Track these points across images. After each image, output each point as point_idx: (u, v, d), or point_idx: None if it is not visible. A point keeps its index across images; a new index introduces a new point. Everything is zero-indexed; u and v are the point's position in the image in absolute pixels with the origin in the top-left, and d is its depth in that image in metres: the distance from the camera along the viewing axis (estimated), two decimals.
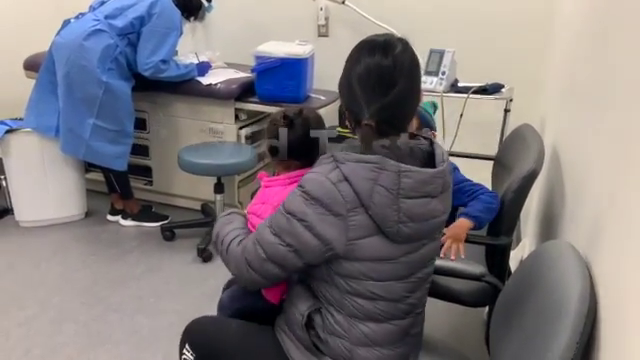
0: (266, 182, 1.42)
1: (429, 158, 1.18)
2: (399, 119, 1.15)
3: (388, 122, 1.12)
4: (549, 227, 1.74)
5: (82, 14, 2.78)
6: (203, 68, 3.02)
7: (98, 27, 2.65)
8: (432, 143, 1.21)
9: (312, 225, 1.09)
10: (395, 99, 1.11)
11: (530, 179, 1.55)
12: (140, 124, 3.05)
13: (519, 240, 2.64)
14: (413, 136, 1.22)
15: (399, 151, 1.12)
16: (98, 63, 2.63)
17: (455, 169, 1.77)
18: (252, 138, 3.10)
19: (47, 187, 2.96)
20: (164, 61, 2.74)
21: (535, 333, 1.00)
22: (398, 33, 3.09)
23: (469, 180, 1.74)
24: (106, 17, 2.68)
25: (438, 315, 2.18)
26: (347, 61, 1.16)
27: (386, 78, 1.11)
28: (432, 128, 1.81)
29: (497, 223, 1.62)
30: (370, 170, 1.06)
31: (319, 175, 1.10)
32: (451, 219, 1.63)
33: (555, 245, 1.15)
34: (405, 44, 1.14)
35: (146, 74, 2.74)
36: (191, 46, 3.41)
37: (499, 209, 1.62)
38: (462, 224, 1.61)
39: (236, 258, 1.22)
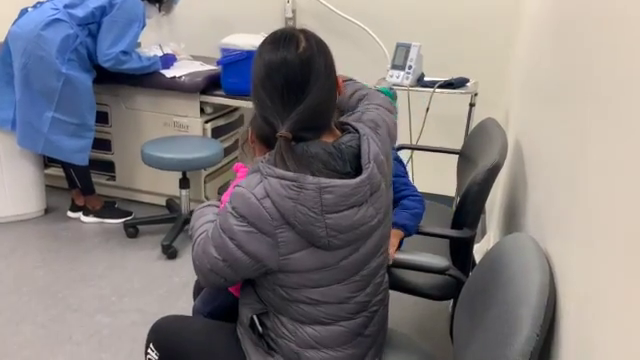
0: (242, 172, 1.39)
1: (359, 155, 1.09)
2: (319, 121, 1.08)
3: (306, 129, 1.06)
4: (512, 220, 1.76)
5: (40, 3, 2.68)
6: (167, 60, 2.95)
7: (57, 16, 2.55)
8: (360, 137, 1.11)
9: (241, 243, 1.05)
10: (311, 104, 1.03)
11: (493, 172, 1.56)
12: (102, 117, 2.96)
13: (484, 233, 2.68)
14: (343, 126, 1.16)
15: (324, 157, 1.05)
16: (57, 54, 2.54)
17: (395, 159, 1.73)
18: (218, 132, 3.05)
19: (3, 183, 2.85)
20: (125, 52, 2.66)
21: (496, 326, 1.01)
22: (365, 26, 3.09)
23: (404, 176, 1.70)
24: (65, 6, 2.59)
25: (403, 309, 2.20)
26: (253, 64, 1.08)
27: (295, 82, 1.03)
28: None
29: (461, 216, 1.63)
30: (290, 189, 1.00)
31: (246, 190, 1.04)
32: None
33: (516, 238, 1.16)
34: (308, 35, 1.07)
35: (106, 65, 2.66)
36: (156, 38, 3.33)
37: (463, 201, 1.63)
38: (394, 234, 1.56)
39: (194, 260, 1.19)
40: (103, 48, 2.62)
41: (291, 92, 1.03)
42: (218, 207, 1.34)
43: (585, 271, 0.88)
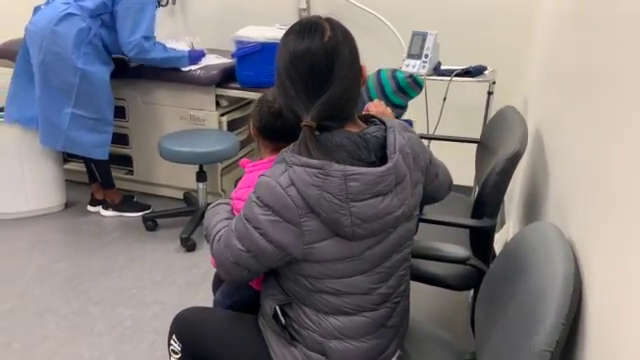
0: (249, 168, 1.41)
1: (384, 146, 1.09)
2: (344, 110, 1.08)
3: (330, 118, 1.06)
4: (533, 209, 1.74)
5: None
6: (196, 56, 2.91)
7: (69, 11, 2.57)
8: (387, 128, 1.11)
9: (266, 232, 1.06)
10: (335, 93, 1.03)
11: (514, 161, 1.54)
12: (119, 112, 2.98)
13: (504, 223, 2.65)
14: (368, 118, 1.16)
15: (349, 146, 1.05)
16: (73, 49, 2.56)
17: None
18: (234, 125, 3.05)
19: (24, 178, 2.89)
20: (147, 38, 2.63)
21: (520, 316, 0.99)
22: (380, 15, 3.05)
23: None
24: (76, 0, 2.60)
25: (423, 299, 2.18)
26: (277, 53, 1.07)
27: (320, 71, 1.02)
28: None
29: (481, 206, 1.61)
30: (315, 176, 1.00)
31: (270, 180, 1.04)
32: None
33: (539, 227, 1.14)
34: (333, 24, 1.06)
35: (131, 55, 2.65)
36: (170, 31, 3.34)
37: (483, 190, 1.61)
38: None
39: (215, 256, 1.21)
40: (124, 37, 2.61)
41: (316, 81, 1.03)
42: (229, 205, 1.34)
43: (611, 260, 0.87)
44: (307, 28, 1.05)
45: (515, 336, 0.97)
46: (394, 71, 1.63)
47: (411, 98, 1.75)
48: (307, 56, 1.03)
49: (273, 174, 1.05)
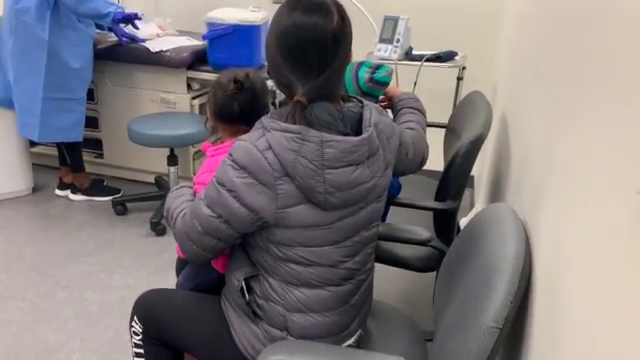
0: (211, 152, 1.41)
1: (361, 121, 1.14)
2: (335, 89, 1.12)
3: (322, 96, 1.08)
4: (497, 192, 1.77)
5: None
6: (124, 16, 2.64)
7: None
8: (363, 106, 1.16)
9: (240, 195, 1.07)
10: (332, 74, 1.07)
11: (476, 144, 1.56)
12: (88, 95, 2.91)
13: (473, 205, 2.69)
14: (346, 98, 1.19)
15: (328, 116, 1.08)
16: (37, 22, 2.48)
17: None
18: (206, 108, 3.01)
19: None
20: None
21: (473, 293, 1.01)
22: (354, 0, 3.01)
23: None
24: None
25: (392, 282, 2.21)
26: (273, 26, 1.08)
27: (324, 50, 1.05)
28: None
29: (444, 188, 1.63)
30: (293, 141, 1.03)
31: (247, 143, 1.07)
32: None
33: (495, 208, 1.16)
34: (339, 7, 1.08)
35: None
36: (141, 13, 3.27)
37: (446, 173, 1.62)
38: None
39: (179, 232, 1.20)
40: None
41: (321, 58, 1.05)
42: (192, 188, 1.34)
43: (555, 239, 0.89)
44: (316, 6, 1.06)
45: (467, 314, 0.99)
46: (357, 70, 1.58)
47: (378, 97, 1.71)
48: (315, 29, 1.04)
49: (250, 138, 1.07)
